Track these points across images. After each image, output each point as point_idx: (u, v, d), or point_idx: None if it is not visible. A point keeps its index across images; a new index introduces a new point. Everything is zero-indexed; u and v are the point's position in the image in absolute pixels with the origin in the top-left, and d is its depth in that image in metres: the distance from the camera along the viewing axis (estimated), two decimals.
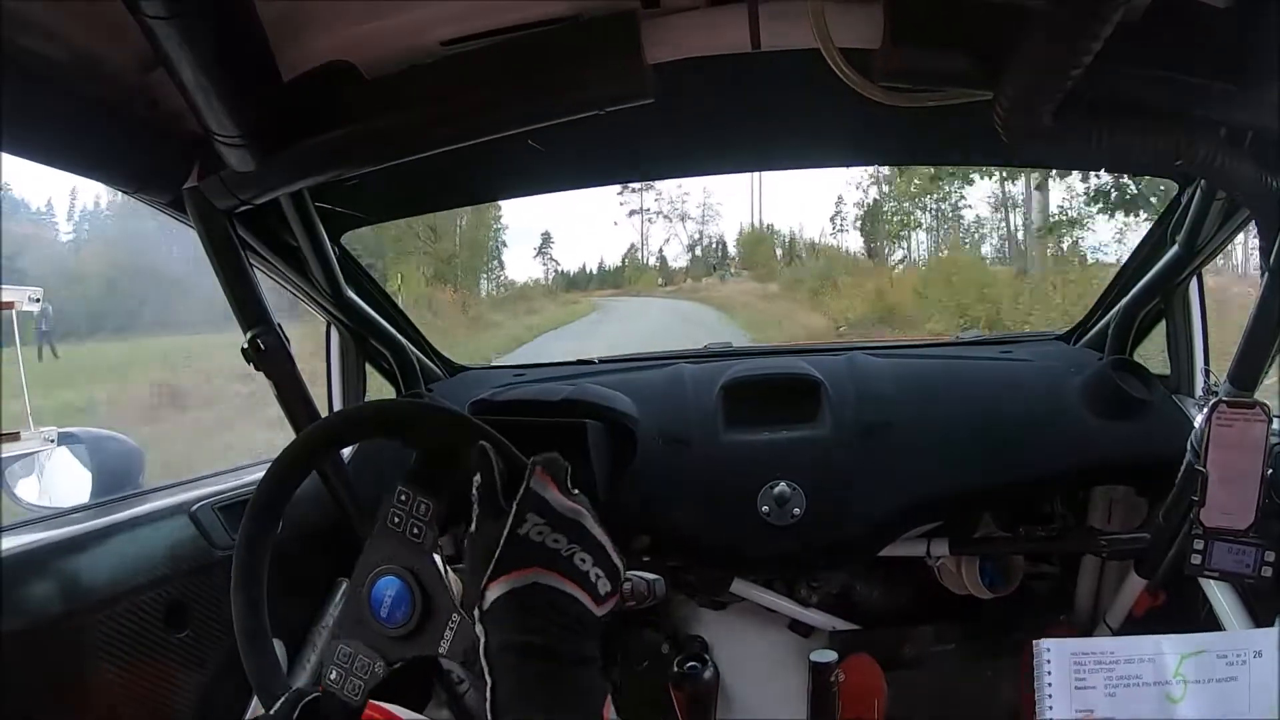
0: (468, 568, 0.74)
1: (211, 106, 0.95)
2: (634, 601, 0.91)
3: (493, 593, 0.67)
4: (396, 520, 0.92)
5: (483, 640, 0.68)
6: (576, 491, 0.75)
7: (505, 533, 0.69)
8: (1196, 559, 1.23)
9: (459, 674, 1.57)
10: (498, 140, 1.07)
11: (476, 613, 0.68)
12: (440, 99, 1.04)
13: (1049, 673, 0.88)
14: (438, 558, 0.90)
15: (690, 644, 1.70)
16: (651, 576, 0.95)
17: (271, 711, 0.89)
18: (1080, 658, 0.88)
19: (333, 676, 0.91)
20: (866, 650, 1.60)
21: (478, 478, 0.76)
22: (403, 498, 0.92)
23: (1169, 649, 0.90)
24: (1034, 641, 0.89)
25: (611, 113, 1.02)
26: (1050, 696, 0.87)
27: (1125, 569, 1.55)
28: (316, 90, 1.04)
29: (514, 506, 0.71)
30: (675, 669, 1.61)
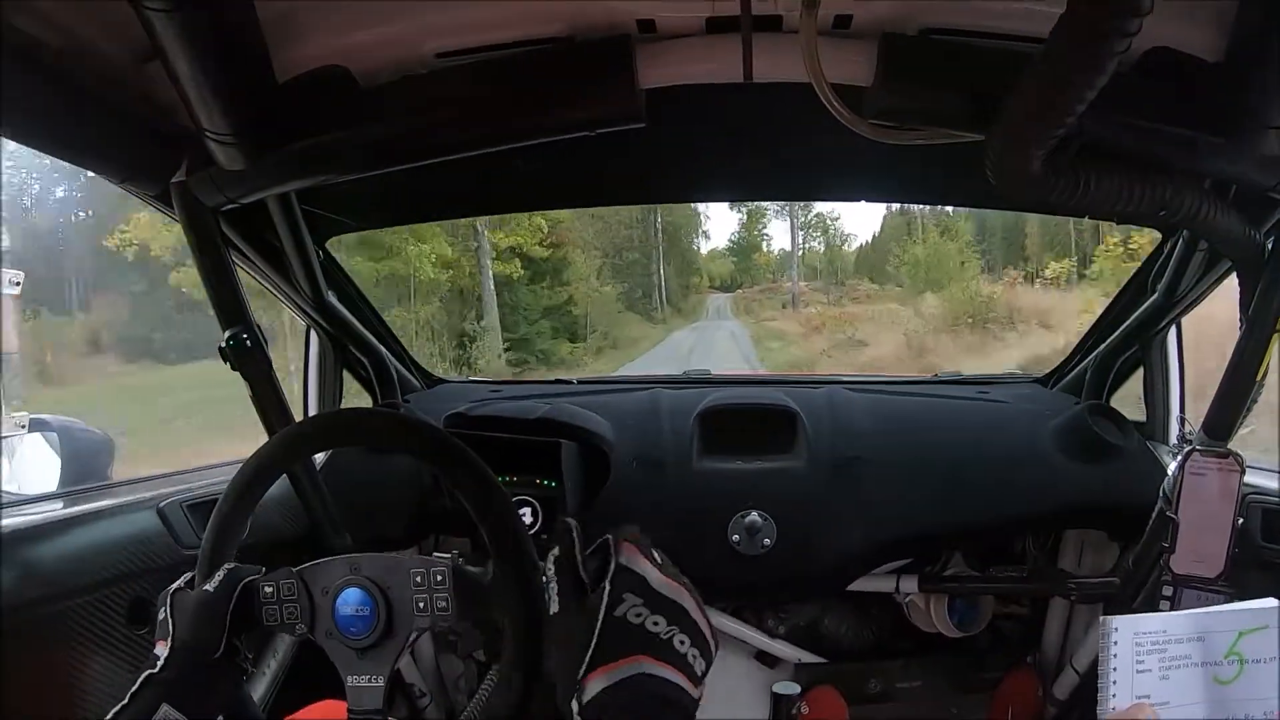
0: (556, 651, 0.69)
1: (205, 102, 0.94)
2: None
3: (594, 684, 0.62)
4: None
5: None
6: (671, 564, 0.71)
7: (601, 616, 0.64)
8: (1165, 605, 1.23)
9: (420, 688, 1.56)
10: (490, 154, 1.07)
11: (574, 705, 0.63)
12: (432, 110, 1.05)
13: (1115, 655, 0.78)
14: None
15: None
16: None
17: (211, 587, 0.86)
18: (1140, 637, 0.79)
19: (268, 590, 0.88)
20: (832, 683, 1.60)
21: (555, 550, 0.70)
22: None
23: (1223, 625, 0.79)
24: (1102, 619, 0.80)
25: (607, 134, 1.03)
26: (1115, 683, 0.78)
27: (1094, 612, 1.57)
28: (310, 93, 1.04)
29: (608, 585, 0.66)
30: None
